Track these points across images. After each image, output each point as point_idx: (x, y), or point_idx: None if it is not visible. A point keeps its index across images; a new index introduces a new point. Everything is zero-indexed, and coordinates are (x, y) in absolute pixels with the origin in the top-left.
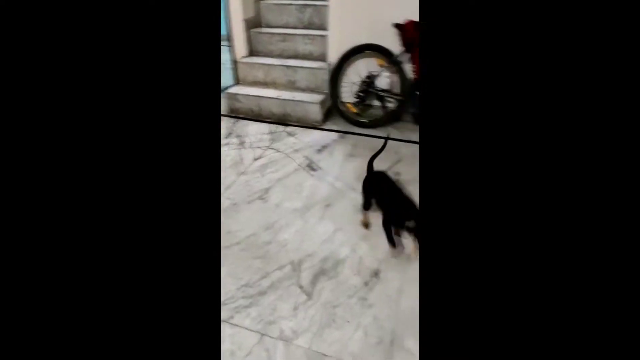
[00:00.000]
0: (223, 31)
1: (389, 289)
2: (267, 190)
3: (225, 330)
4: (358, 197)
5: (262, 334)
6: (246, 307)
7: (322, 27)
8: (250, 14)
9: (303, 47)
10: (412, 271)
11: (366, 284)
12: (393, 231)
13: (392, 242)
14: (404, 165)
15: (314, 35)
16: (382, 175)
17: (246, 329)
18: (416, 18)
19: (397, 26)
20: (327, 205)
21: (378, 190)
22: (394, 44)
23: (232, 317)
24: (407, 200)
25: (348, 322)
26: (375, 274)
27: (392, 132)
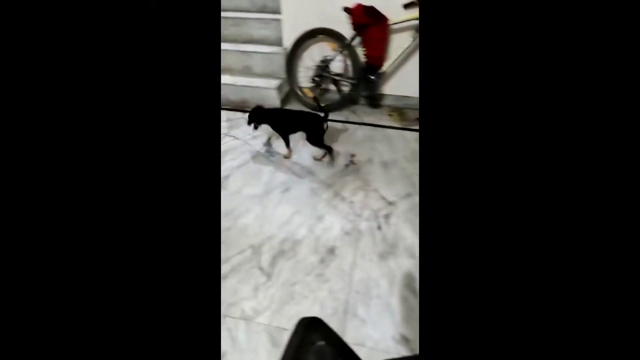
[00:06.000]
0: None
1: (344, 264)
2: (226, 177)
3: None
4: (315, 180)
5: (224, 316)
6: None
7: (276, 11)
8: None
9: (257, 31)
10: (364, 246)
11: (322, 261)
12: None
13: (289, 146)
14: (359, 148)
15: (267, 19)
16: (262, 108)
17: None
18: (365, 2)
19: (347, 10)
20: (285, 190)
21: (268, 116)
22: (346, 28)
23: None
24: (296, 113)
25: (305, 297)
26: (331, 251)
27: (349, 115)
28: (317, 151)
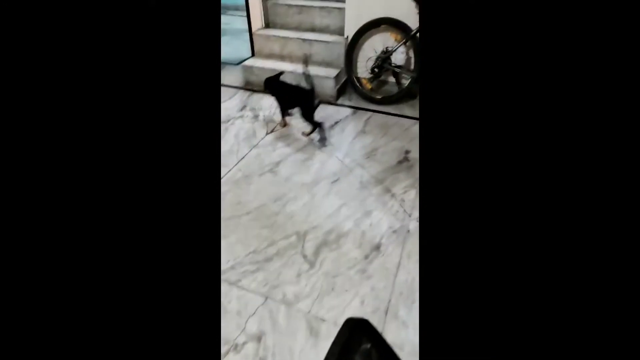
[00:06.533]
0: (240, 1)
1: (388, 262)
2: (277, 163)
3: (233, 292)
4: (365, 174)
5: (267, 297)
6: (253, 272)
7: None
8: None
9: (320, 20)
10: (412, 247)
11: (366, 257)
12: (286, 113)
13: (284, 117)
14: (414, 144)
15: (331, 7)
16: (273, 78)
17: (252, 291)
18: None
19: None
20: (335, 181)
21: (273, 87)
22: (411, 19)
23: (239, 280)
24: (295, 89)
25: (346, 291)
26: (377, 248)
27: (406, 109)
28: (364, 146)
